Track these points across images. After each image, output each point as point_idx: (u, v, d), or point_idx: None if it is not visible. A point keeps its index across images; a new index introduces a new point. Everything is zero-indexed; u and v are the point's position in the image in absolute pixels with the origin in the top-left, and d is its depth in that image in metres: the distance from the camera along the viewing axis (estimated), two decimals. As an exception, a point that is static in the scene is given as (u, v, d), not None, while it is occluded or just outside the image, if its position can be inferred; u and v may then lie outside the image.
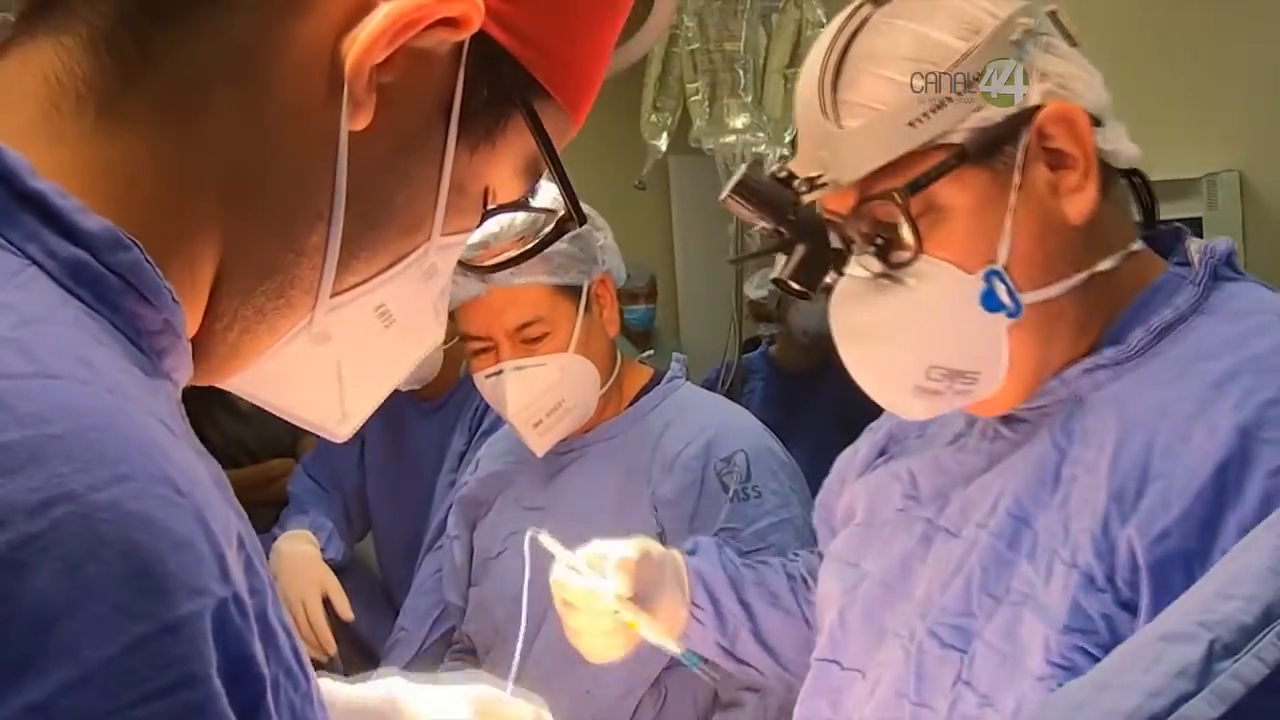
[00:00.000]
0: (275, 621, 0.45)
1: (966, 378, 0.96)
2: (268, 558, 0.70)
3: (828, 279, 1.02)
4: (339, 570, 2.17)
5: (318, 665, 1.64)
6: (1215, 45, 3.86)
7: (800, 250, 1.02)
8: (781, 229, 1.03)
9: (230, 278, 0.53)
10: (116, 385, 0.42)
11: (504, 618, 1.73)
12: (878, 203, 0.93)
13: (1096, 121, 0.95)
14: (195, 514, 0.40)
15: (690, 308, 5.37)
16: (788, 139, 2.48)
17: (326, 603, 2.08)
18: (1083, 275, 0.95)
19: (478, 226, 0.63)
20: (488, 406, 1.84)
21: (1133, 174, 1.03)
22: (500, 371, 1.63)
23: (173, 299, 0.49)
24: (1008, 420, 1.01)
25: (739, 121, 2.39)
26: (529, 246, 0.68)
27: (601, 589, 1.23)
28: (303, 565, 2.12)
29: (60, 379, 0.40)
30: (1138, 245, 0.99)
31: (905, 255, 0.94)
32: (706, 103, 2.43)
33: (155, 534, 0.38)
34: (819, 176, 0.97)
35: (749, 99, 2.39)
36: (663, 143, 2.50)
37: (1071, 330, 0.96)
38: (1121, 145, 0.96)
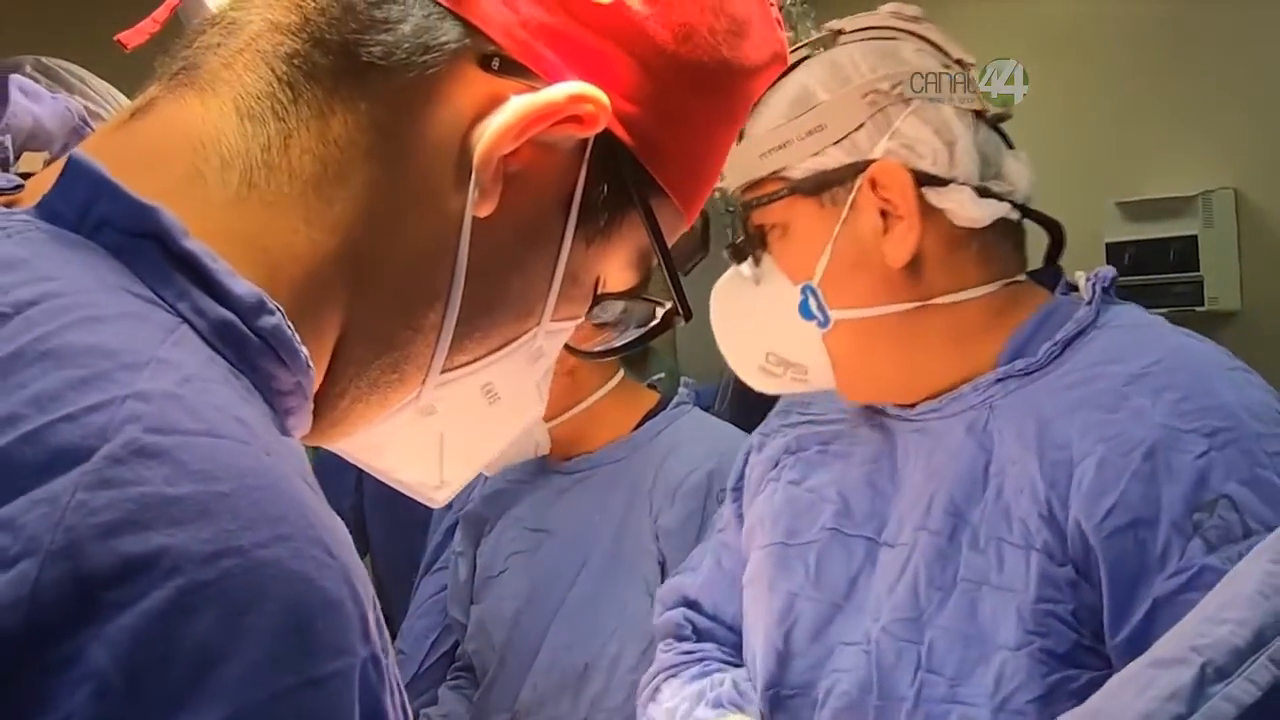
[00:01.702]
0: (392, 678, 0.47)
1: (798, 369, 1.16)
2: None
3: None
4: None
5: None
6: (1211, 65, 3.88)
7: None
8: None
9: (349, 348, 0.55)
10: (272, 448, 0.44)
11: (501, 640, 1.73)
12: (732, 211, 1.14)
13: (937, 181, 1.07)
14: (345, 576, 0.42)
15: (685, 326, 5.37)
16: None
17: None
18: (906, 305, 1.10)
19: (587, 314, 0.65)
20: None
21: (1051, 224, 1.19)
22: None
23: (307, 363, 0.51)
24: (919, 431, 1.13)
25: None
26: (632, 338, 0.70)
27: None
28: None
29: (224, 438, 0.42)
30: (1022, 278, 1.14)
31: (748, 256, 1.16)
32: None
33: (311, 593, 0.41)
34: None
35: (743, 118, 2.39)
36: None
37: (898, 345, 1.11)
38: (961, 207, 1.08)
